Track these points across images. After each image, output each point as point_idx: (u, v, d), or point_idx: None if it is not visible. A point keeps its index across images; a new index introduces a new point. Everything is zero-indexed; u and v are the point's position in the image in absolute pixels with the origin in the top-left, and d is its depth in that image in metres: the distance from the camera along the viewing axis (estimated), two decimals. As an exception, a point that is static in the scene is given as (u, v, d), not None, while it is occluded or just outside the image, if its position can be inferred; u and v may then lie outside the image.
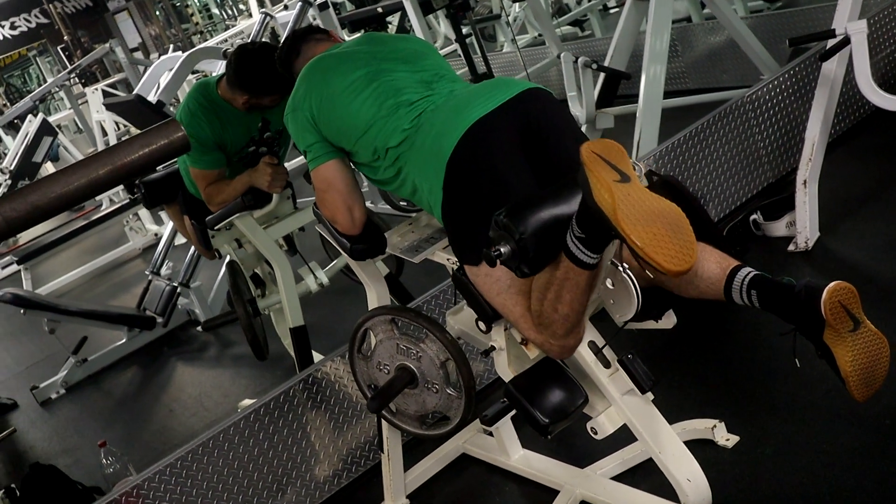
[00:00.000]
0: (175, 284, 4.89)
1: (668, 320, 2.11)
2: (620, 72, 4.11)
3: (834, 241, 3.22)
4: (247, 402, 3.71)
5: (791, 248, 3.26)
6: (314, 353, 3.76)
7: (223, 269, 3.35)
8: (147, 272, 5.18)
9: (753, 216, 3.45)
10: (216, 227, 3.21)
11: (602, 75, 4.21)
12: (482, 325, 2.12)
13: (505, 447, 2.65)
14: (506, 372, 2.19)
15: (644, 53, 3.91)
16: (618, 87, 4.28)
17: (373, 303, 2.50)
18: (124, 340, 4.98)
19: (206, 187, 3.11)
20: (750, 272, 1.92)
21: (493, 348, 2.18)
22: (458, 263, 2.08)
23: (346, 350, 2.95)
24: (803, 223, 3.23)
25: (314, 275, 3.33)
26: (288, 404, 2.85)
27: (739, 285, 1.91)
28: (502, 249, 1.80)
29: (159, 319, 4.95)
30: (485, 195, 1.94)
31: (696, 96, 4.52)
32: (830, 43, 3.14)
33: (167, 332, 4.98)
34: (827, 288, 1.80)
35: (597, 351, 2.10)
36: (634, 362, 2.04)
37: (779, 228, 3.37)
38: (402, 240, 2.46)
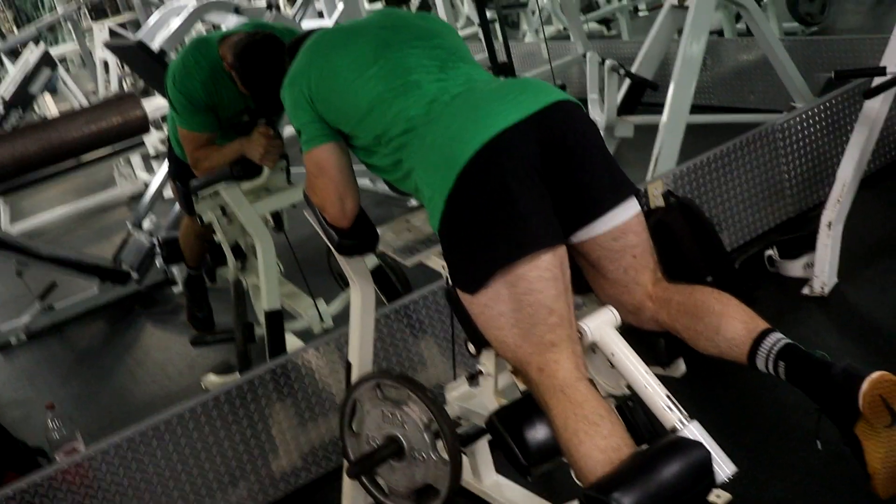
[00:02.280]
0: (154, 241, 4.67)
1: (677, 369, 1.91)
2: (648, 81, 3.89)
3: (852, 291, 3.03)
4: (212, 378, 3.51)
5: (806, 291, 3.06)
6: (292, 335, 3.56)
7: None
8: (128, 223, 4.96)
9: (769, 251, 3.25)
10: (200, 193, 2.99)
11: (627, 81, 3.99)
12: (472, 347, 1.92)
13: (478, 470, 2.45)
14: (491, 400, 2.00)
15: (676, 62, 3.69)
16: (642, 96, 4.06)
17: (356, 304, 2.29)
18: (95, 292, 4.77)
19: (194, 150, 2.89)
20: (780, 340, 1.72)
21: (480, 372, 1.98)
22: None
23: (324, 341, 2.76)
24: (822, 267, 3.04)
25: (318, 312, 3.11)
26: (252, 394, 2.64)
27: (767, 352, 1.71)
28: None
29: (134, 275, 4.74)
30: (493, 220, 1.71)
31: (721, 115, 4.32)
32: (877, 80, 2.93)
33: (142, 289, 4.77)
34: (869, 378, 1.60)
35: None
36: (635, 410, 1.85)
37: (795, 269, 3.17)
38: (396, 237, 2.24)
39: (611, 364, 1.83)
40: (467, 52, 2.07)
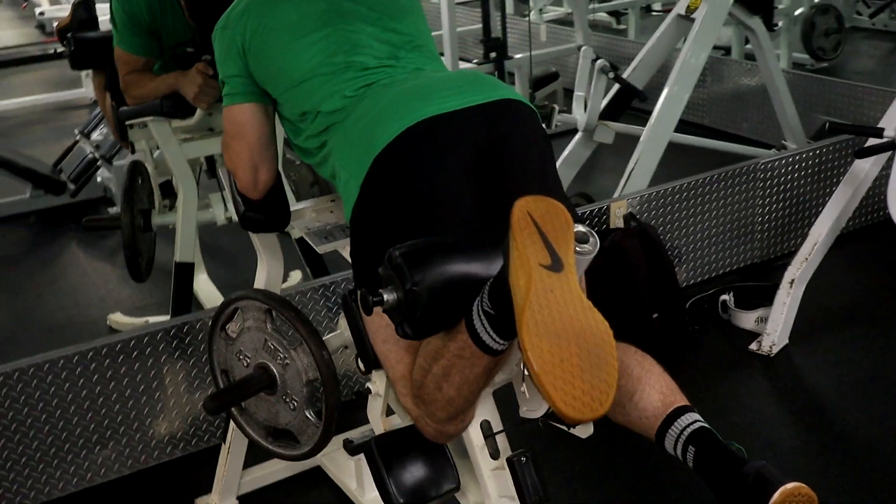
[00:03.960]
0: (97, 156, 4.41)
1: (584, 430, 1.70)
2: (636, 89, 3.66)
3: (800, 355, 2.84)
4: (118, 317, 3.28)
5: (753, 346, 2.87)
6: (211, 284, 3.34)
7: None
8: (77, 131, 4.68)
9: (725, 296, 3.06)
10: (127, 123, 2.74)
11: (616, 86, 3.76)
12: (361, 365, 1.71)
13: (363, 481, 2.25)
14: (377, 423, 1.79)
15: (672, 71, 3.46)
16: (629, 103, 3.83)
17: (260, 282, 2.07)
18: (26, 196, 4.50)
19: (126, 74, 2.64)
20: (695, 422, 1.52)
21: (368, 391, 1.77)
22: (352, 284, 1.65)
23: (247, 289, 2.55)
24: (775, 325, 2.85)
25: (225, 206, 2.88)
26: (150, 349, 2.42)
27: (678, 433, 1.51)
28: (386, 296, 1.38)
29: (70, 186, 4.47)
30: (408, 215, 1.50)
31: (708, 140, 4.09)
32: (872, 141, 2.72)
33: (77, 202, 4.49)
34: (782, 489, 1.40)
35: (488, 435, 1.69)
36: (526, 468, 1.64)
37: (747, 321, 2.98)
38: (315, 217, 2.02)
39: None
40: (428, 39, 1.84)
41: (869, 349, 2.86)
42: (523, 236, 1.26)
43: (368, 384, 1.76)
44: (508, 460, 1.66)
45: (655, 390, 1.53)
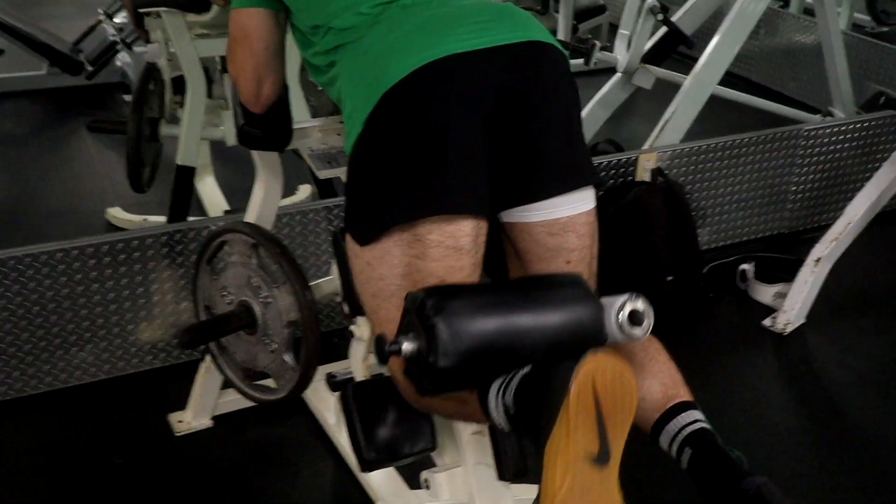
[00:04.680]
0: (118, 39, 4.24)
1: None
2: (684, 34, 3.45)
3: (815, 338, 2.71)
4: (117, 211, 3.17)
5: (767, 322, 2.74)
6: (219, 193, 3.21)
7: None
8: (100, 11, 4.51)
9: (745, 265, 2.91)
10: (141, 10, 2.59)
11: (664, 28, 3.54)
12: (346, 308, 1.60)
13: (343, 419, 2.17)
14: (358, 368, 1.70)
15: (726, 20, 3.24)
16: (675, 49, 3.62)
17: (255, 202, 1.95)
18: (43, 73, 4.37)
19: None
20: (696, 421, 1.39)
21: (351, 333, 1.66)
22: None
23: (235, 220, 2.45)
24: (793, 303, 2.71)
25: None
26: (138, 253, 2.32)
27: (676, 431, 1.39)
28: (405, 346, 1.20)
29: (88, 68, 4.33)
30: (411, 160, 1.36)
31: (751, 97, 3.86)
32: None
33: (92, 84, 4.36)
34: None
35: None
36: (507, 437, 1.54)
37: (765, 295, 2.84)
38: (321, 139, 1.89)
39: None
40: None
41: (887, 340, 2.72)
42: (578, 419, 1.10)
43: (352, 327, 1.65)
44: (492, 428, 1.56)
45: (658, 380, 1.41)
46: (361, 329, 1.65)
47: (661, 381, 1.40)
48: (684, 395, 1.40)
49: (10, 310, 2.21)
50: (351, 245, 1.42)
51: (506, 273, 1.55)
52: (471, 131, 1.36)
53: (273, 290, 1.68)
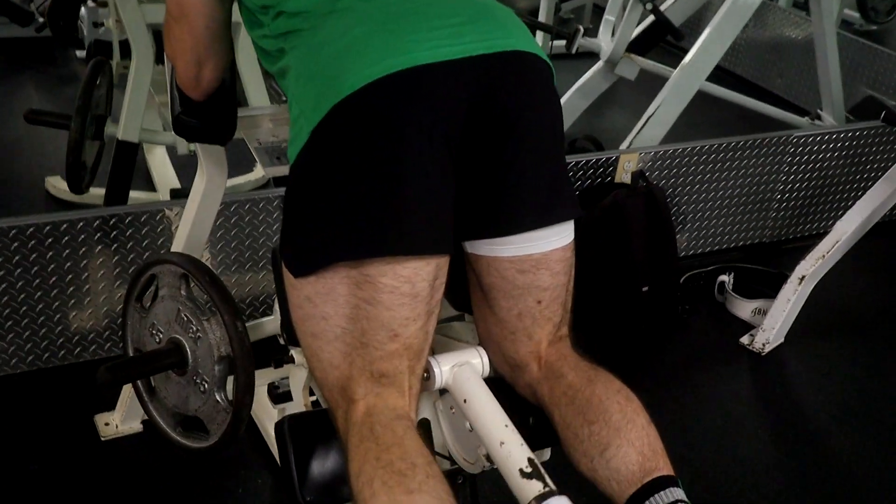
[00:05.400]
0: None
1: (540, 455, 1.42)
2: (672, 24, 3.26)
3: (793, 359, 2.57)
4: (57, 181, 2.94)
5: (745, 340, 2.59)
6: (170, 167, 2.99)
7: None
8: (55, -40, 4.22)
9: (723, 277, 2.76)
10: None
11: (651, 17, 3.35)
12: (283, 339, 1.40)
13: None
14: (298, 397, 1.50)
15: (719, 11, 3.05)
16: (662, 39, 3.44)
17: (196, 193, 1.74)
18: (-13, 23, 4.09)
19: None
20: (677, 502, 1.21)
21: (292, 359, 1.47)
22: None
23: (163, 252, 2.23)
24: (774, 322, 2.56)
25: None
26: (68, 237, 2.10)
27: None
28: None
29: (38, 19, 4.04)
30: (362, 188, 1.16)
31: (737, 95, 3.68)
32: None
33: (42, 37, 4.07)
34: None
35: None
36: (460, 490, 1.37)
37: (744, 310, 2.69)
38: (272, 129, 1.69)
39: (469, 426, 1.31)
40: None
41: (869, 366, 2.58)
42: None
43: (292, 352, 1.46)
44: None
45: (635, 448, 1.22)
46: (301, 357, 1.46)
47: (639, 449, 1.22)
48: (664, 467, 1.22)
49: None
50: (286, 274, 1.23)
51: (468, 304, 1.37)
52: (434, 157, 1.16)
53: (203, 322, 1.47)
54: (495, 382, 1.36)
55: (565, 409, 1.25)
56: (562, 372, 1.28)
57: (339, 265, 1.16)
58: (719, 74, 3.98)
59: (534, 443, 1.32)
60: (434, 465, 1.14)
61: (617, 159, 2.64)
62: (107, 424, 2.06)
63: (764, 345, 2.55)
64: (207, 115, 1.52)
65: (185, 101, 1.51)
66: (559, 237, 1.26)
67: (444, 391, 1.33)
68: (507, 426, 1.21)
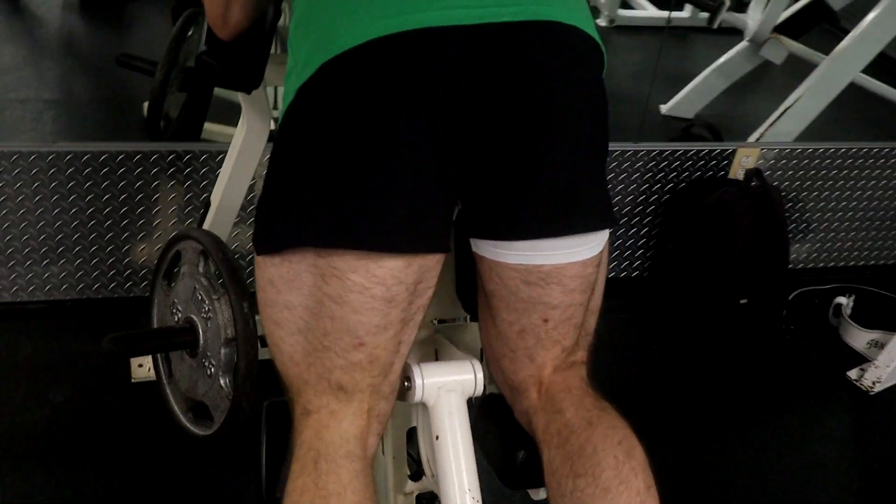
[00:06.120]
0: None
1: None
2: (829, 8, 2.90)
3: (907, 404, 2.25)
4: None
5: (852, 374, 2.28)
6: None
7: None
8: None
9: (841, 298, 2.43)
10: None
11: (808, -2, 3.00)
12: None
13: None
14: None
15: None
16: (817, 23, 3.07)
17: (237, 140, 1.62)
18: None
19: None
20: None
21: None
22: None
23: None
24: (890, 359, 2.24)
25: None
26: (141, 169, 2.05)
27: None
28: None
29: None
30: (341, 164, 0.97)
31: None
32: None
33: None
34: None
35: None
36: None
37: (859, 340, 2.37)
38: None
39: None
40: None
41: None
42: None
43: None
44: (418, 498, 1.22)
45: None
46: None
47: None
48: None
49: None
50: (257, 258, 1.07)
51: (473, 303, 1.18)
52: (431, 140, 0.96)
53: (214, 302, 1.35)
54: (494, 401, 1.18)
55: (555, 452, 1.05)
56: (561, 407, 1.08)
57: (307, 251, 1.00)
58: (878, 66, 3.55)
59: (518, 482, 1.14)
60: None
61: (734, 153, 2.35)
62: (140, 366, 1.99)
63: (874, 383, 2.24)
64: (231, 58, 1.37)
65: (212, 41, 1.36)
66: (578, 249, 1.05)
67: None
68: (468, 491, 1.03)
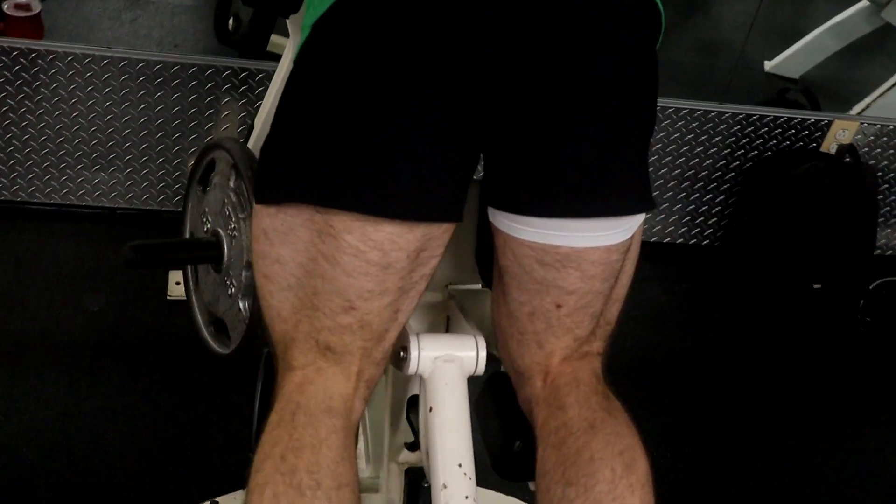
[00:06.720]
0: None
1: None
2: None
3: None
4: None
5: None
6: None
7: None
8: None
9: (930, 295, 2.25)
10: None
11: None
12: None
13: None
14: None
15: None
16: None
17: (281, 68, 1.54)
18: None
19: None
20: None
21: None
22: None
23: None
24: (972, 367, 2.06)
25: None
26: (196, 82, 2.01)
27: None
28: None
29: None
30: (347, 114, 0.88)
31: None
32: None
33: None
34: None
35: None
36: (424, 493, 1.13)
37: (940, 342, 2.19)
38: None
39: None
40: None
41: None
42: None
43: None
44: (407, 471, 1.15)
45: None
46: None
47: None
48: None
49: (45, 109, 1.96)
50: (256, 207, 0.99)
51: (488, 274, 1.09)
52: (450, 98, 0.86)
53: (241, 221, 1.30)
54: (498, 381, 1.09)
55: (549, 453, 0.96)
56: (564, 403, 0.98)
57: (304, 205, 0.92)
58: None
59: (510, 472, 1.06)
60: (344, 491, 0.90)
61: (829, 124, 2.16)
62: (178, 284, 1.96)
63: (951, 391, 2.07)
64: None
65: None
66: (604, 233, 0.94)
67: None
68: (460, 466, 0.95)
